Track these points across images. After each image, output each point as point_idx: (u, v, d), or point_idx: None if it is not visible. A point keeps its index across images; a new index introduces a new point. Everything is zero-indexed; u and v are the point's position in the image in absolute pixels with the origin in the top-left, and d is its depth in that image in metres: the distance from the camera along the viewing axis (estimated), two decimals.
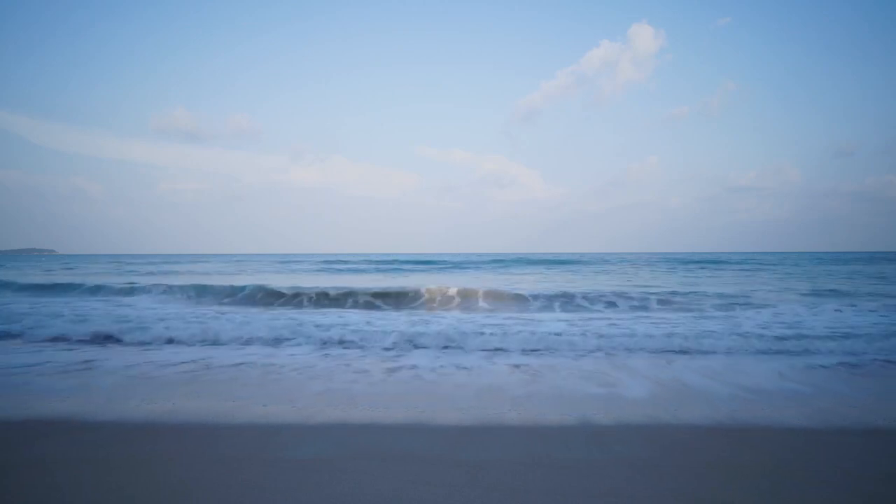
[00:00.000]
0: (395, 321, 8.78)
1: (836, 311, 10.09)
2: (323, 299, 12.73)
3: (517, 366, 5.69)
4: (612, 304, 12.01)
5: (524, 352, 6.47)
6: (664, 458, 3.07)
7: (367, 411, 4.06)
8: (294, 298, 12.93)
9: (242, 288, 14.04)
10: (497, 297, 13.01)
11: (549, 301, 12.31)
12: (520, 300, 12.63)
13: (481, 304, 12.51)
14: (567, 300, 12.43)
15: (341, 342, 7.00)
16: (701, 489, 2.65)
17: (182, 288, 14.60)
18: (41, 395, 4.50)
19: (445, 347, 6.72)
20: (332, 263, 39.21)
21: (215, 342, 7.08)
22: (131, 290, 14.92)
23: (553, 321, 8.94)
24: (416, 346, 6.76)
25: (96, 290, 15.31)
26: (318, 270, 29.71)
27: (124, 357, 6.15)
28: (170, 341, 7.12)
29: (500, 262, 39.01)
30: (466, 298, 13.00)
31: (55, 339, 7.27)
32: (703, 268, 30.32)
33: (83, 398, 4.39)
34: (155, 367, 5.57)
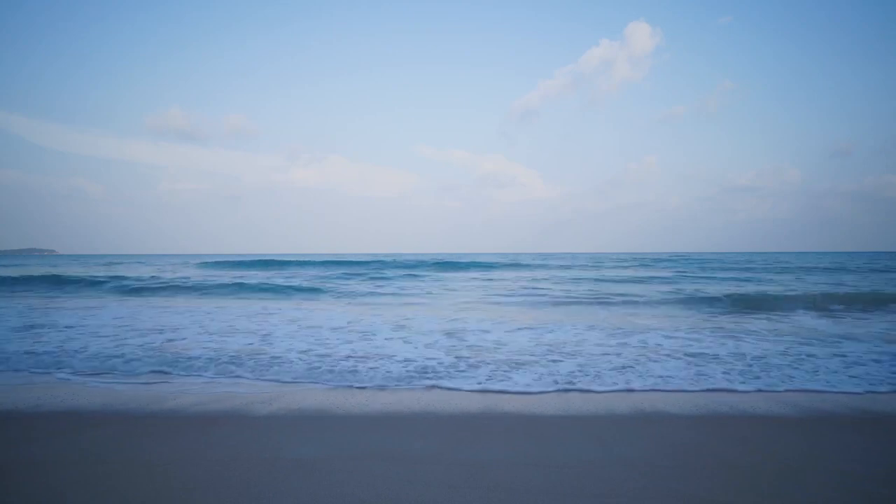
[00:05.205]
0: None
1: None
2: None
3: None
4: None
5: None
6: (664, 458, 3.07)
7: (368, 410, 4.06)
8: None
9: None
10: None
11: None
12: None
13: None
14: None
15: None
16: (701, 489, 2.65)
17: None
18: (40, 394, 4.50)
19: None
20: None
21: None
22: None
23: None
24: None
25: None
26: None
27: None
28: None
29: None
30: None
31: None
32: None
33: (83, 397, 4.39)
34: None
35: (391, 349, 6.69)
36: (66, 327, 8.56)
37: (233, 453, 3.13)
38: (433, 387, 4.86)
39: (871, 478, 2.80)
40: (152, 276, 23.47)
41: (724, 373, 5.37)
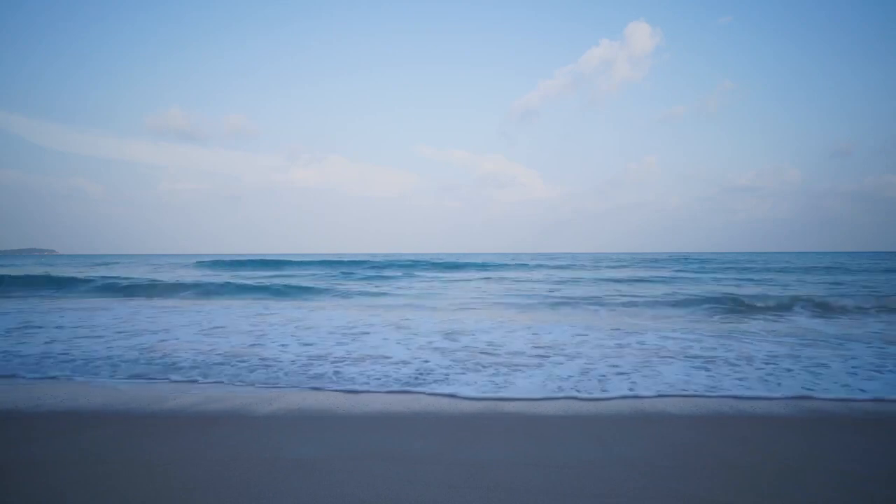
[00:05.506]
0: None
1: None
2: None
3: None
4: None
5: None
6: (664, 458, 3.07)
7: (368, 410, 4.06)
8: None
9: None
10: None
11: None
12: None
13: None
14: None
15: None
16: (701, 489, 2.65)
17: None
18: (40, 394, 4.50)
19: None
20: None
21: None
22: None
23: None
24: None
25: None
26: None
27: None
28: None
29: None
30: None
31: None
32: None
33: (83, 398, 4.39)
34: None
35: (389, 350, 6.68)
36: (57, 328, 8.54)
37: (233, 453, 3.13)
38: (432, 389, 4.85)
39: (873, 478, 2.80)
40: (150, 276, 23.54)
41: (738, 379, 5.14)
